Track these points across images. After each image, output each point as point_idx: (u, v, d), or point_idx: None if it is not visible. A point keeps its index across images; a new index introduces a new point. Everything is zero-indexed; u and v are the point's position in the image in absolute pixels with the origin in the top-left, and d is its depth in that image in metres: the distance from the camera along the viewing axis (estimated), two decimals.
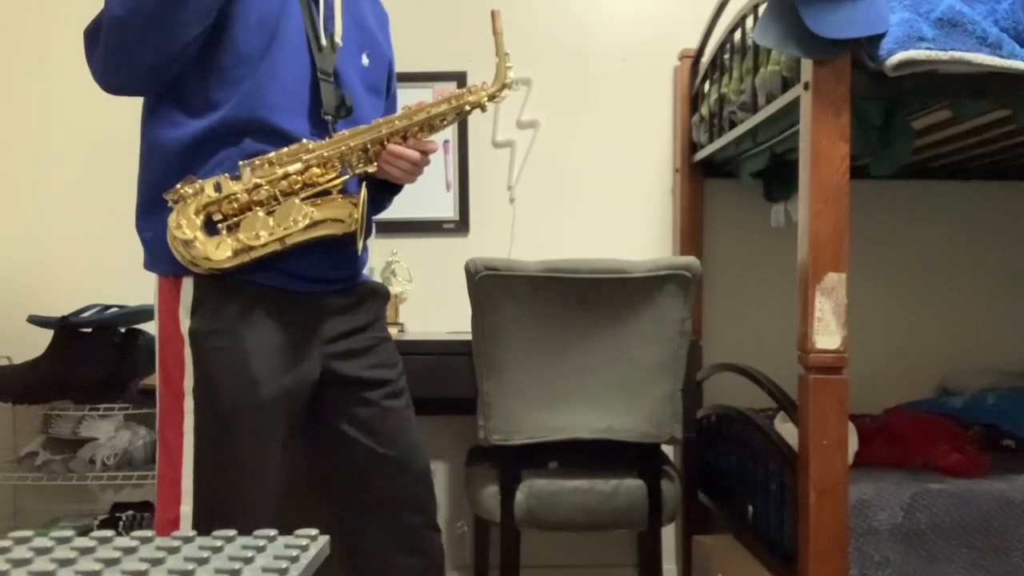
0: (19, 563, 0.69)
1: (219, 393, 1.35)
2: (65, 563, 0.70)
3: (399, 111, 1.48)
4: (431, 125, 1.46)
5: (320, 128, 1.43)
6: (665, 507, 2.01)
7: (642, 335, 1.95)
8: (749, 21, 2.00)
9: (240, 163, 1.35)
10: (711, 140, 2.39)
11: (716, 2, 2.36)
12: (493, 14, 1.50)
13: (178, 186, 1.34)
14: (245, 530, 0.85)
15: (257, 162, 1.36)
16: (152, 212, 1.40)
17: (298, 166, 1.36)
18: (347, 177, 1.42)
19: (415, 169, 1.48)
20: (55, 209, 2.68)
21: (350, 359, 1.50)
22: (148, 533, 0.78)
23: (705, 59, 2.49)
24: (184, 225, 1.32)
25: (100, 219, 2.67)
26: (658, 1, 2.75)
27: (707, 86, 2.44)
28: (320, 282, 1.46)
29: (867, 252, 2.70)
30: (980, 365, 2.68)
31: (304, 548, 0.76)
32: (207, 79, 1.36)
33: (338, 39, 1.46)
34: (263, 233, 1.33)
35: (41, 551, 0.73)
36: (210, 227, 1.34)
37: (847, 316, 1.61)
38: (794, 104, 1.70)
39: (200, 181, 1.34)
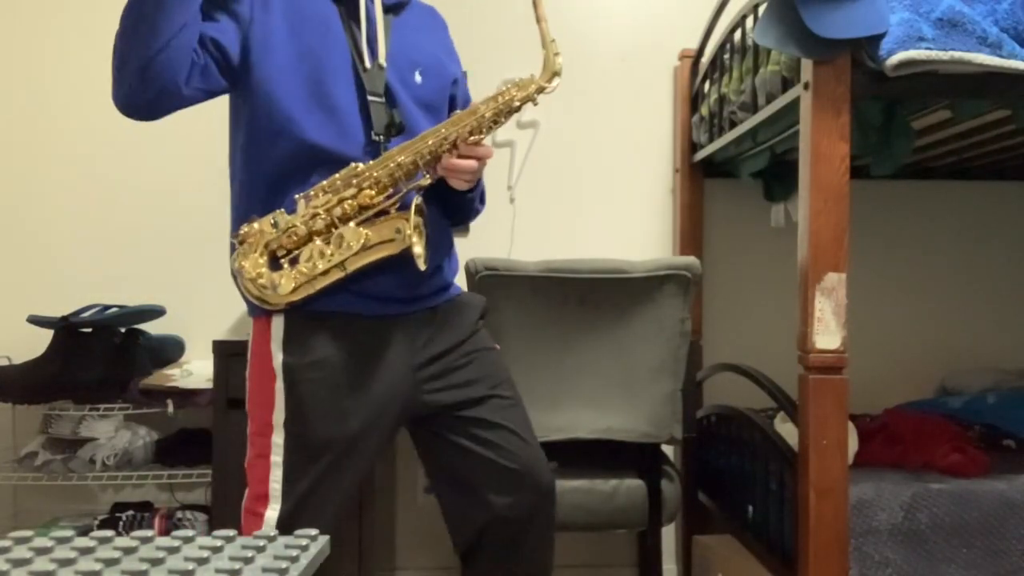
0: (19, 563, 0.69)
1: (310, 426, 1.37)
2: (65, 563, 0.70)
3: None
4: (482, 128, 1.42)
5: (374, 149, 1.42)
6: (665, 507, 2.01)
7: (642, 335, 1.95)
8: (749, 21, 2.00)
9: (295, 196, 1.36)
10: (711, 140, 2.39)
11: (716, 2, 2.36)
12: (535, 1, 1.43)
13: (242, 228, 1.36)
14: None
15: (312, 192, 1.36)
16: None
17: (351, 191, 1.36)
18: (402, 195, 1.39)
19: (473, 177, 1.45)
20: (55, 209, 2.68)
21: (442, 384, 1.47)
22: (148, 533, 0.78)
23: (705, 59, 2.49)
24: (248, 265, 1.34)
25: (100, 219, 2.67)
26: (658, 1, 2.75)
27: (707, 86, 2.44)
28: (396, 302, 1.44)
29: (867, 252, 2.70)
30: (980, 365, 2.68)
31: (304, 548, 0.76)
32: (269, 118, 1.38)
33: (382, 60, 1.44)
34: (320, 263, 1.34)
35: (41, 551, 0.73)
36: (275, 263, 1.36)
37: (847, 316, 1.61)
38: (794, 104, 1.70)
39: (259, 220, 1.35)
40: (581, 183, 2.74)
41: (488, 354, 1.54)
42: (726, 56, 2.23)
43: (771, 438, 1.91)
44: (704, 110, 2.45)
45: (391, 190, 1.38)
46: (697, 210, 2.66)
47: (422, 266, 1.37)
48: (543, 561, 1.56)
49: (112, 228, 2.67)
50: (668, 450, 2.55)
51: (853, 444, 1.94)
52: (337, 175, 1.37)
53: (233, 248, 1.39)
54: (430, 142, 1.39)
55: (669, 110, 2.75)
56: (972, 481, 1.83)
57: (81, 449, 2.34)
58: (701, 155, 2.52)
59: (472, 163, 1.41)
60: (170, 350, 2.50)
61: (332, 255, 1.34)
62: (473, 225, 2.78)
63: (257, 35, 1.39)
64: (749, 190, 2.66)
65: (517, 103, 1.43)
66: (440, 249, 1.51)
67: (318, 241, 1.35)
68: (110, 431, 2.37)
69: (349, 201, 1.36)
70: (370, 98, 1.41)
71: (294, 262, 1.35)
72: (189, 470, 2.38)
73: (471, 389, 1.48)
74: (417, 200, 1.38)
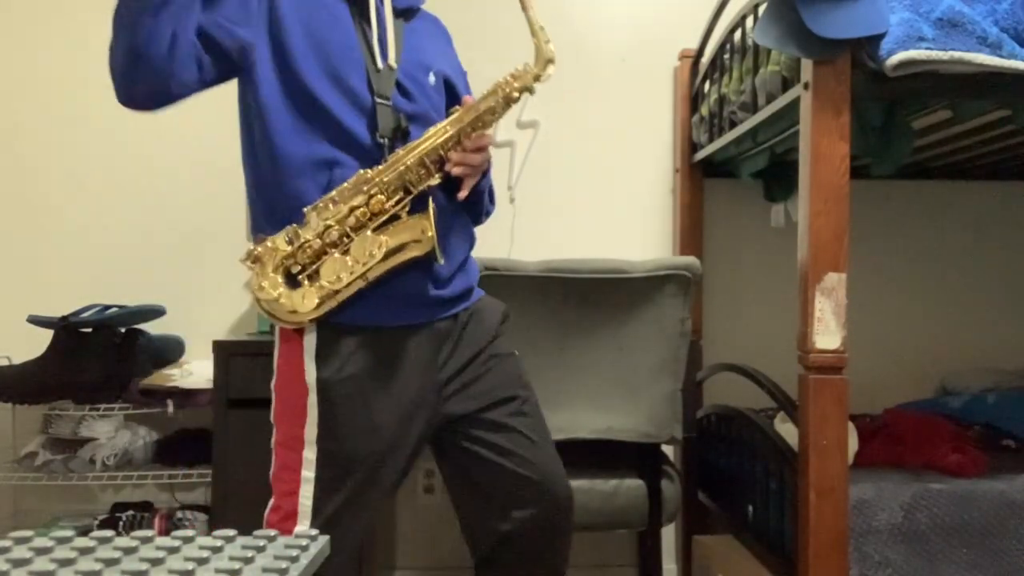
0: (19, 563, 0.69)
1: (343, 442, 1.36)
2: (65, 563, 0.70)
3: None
4: (483, 121, 1.42)
5: (378, 151, 1.41)
6: (665, 507, 2.01)
7: (642, 335, 1.95)
8: (749, 21, 2.00)
9: (304, 209, 1.34)
10: (711, 140, 2.39)
11: (716, 2, 2.36)
12: None
13: (252, 247, 1.34)
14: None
15: (320, 204, 1.34)
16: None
17: (361, 198, 1.34)
18: (412, 196, 1.38)
19: (479, 168, 1.45)
20: (55, 209, 2.68)
21: (462, 394, 1.47)
22: (148, 533, 0.78)
23: (705, 59, 2.49)
24: (267, 285, 1.32)
25: (100, 219, 2.67)
26: (658, 1, 2.74)
27: (707, 86, 2.44)
28: (421, 306, 1.43)
29: (867, 252, 2.70)
30: (980, 365, 2.68)
31: (304, 548, 0.76)
32: (288, 118, 1.37)
33: (392, 61, 1.44)
34: (343, 275, 1.32)
35: (41, 551, 0.73)
36: (292, 280, 1.34)
37: (847, 316, 1.61)
38: (794, 104, 1.70)
39: (271, 237, 1.33)
40: (581, 183, 2.74)
41: (507, 360, 1.53)
42: (726, 56, 2.23)
43: (771, 438, 1.91)
44: (704, 110, 2.45)
45: (401, 194, 1.37)
46: (697, 210, 2.66)
47: (442, 261, 1.38)
48: (558, 569, 1.56)
49: (112, 228, 2.67)
50: (668, 450, 2.55)
51: (853, 444, 1.94)
52: (345, 183, 1.35)
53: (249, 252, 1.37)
54: (437, 141, 1.39)
55: (669, 110, 2.75)
56: (972, 481, 1.83)
57: (81, 449, 2.34)
58: (701, 155, 2.52)
59: (476, 156, 1.42)
60: (170, 350, 2.50)
61: (354, 266, 1.32)
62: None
63: (272, 21, 1.38)
64: (749, 190, 2.66)
65: (516, 94, 1.42)
66: (461, 248, 1.50)
67: (336, 253, 1.33)
68: (110, 431, 2.37)
69: (361, 209, 1.34)
70: (377, 100, 1.41)
71: (312, 277, 1.33)
72: (189, 470, 2.38)
73: (488, 397, 1.48)
74: (431, 204, 1.38)
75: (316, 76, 1.38)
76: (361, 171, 1.36)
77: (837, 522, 1.61)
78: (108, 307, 2.44)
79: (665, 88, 2.75)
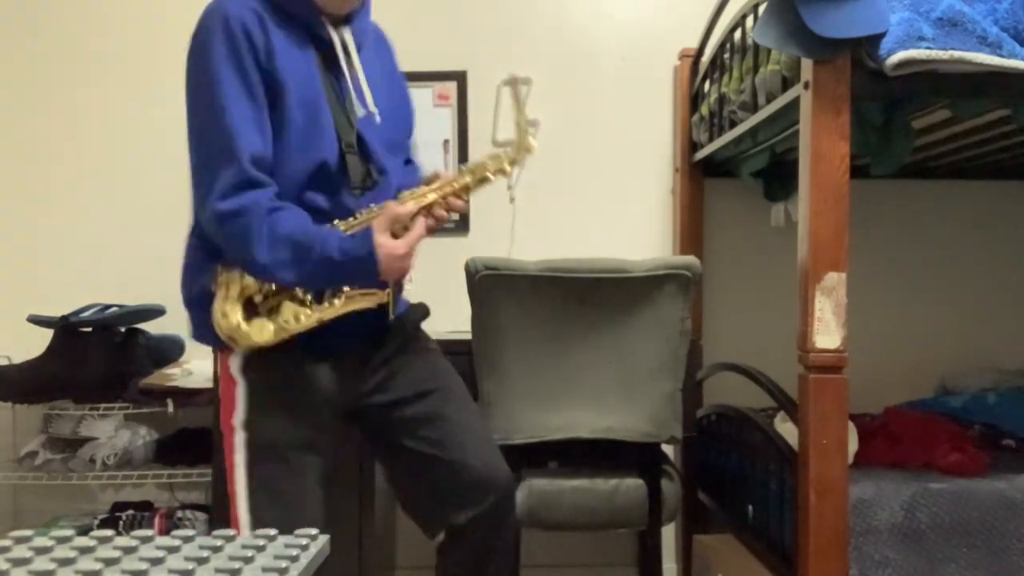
0: (19, 563, 0.69)
1: (265, 430, 1.42)
2: (65, 563, 0.70)
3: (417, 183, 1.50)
4: (454, 200, 1.47)
5: (351, 199, 1.46)
6: (665, 507, 2.01)
7: (642, 335, 1.95)
8: (749, 21, 2.00)
9: None
10: (711, 140, 2.38)
11: (716, 2, 2.36)
12: (513, 81, 1.50)
13: (219, 272, 1.40)
14: None
15: None
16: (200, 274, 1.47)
17: None
18: None
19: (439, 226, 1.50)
20: (55, 209, 2.68)
21: (384, 385, 1.53)
22: (148, 532, 0.78)
23: (705, 58, 2.49)
24: (228, 312, 1.38)
25: (101, 219, 2.67)
26: (658, 1, 2.74)
27: (707, 85, 2.43)
28: (354, 336, 1.49)
29: (867, 252, 2.70)
30: (980, 365, 2.67)
31: (304, 548, 0.76)
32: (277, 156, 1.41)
33: (372, 107, 1.47)
34: (302, 317, 1.39)
35: (41, 551, 0.73)
36: (251, 308, 1.40)
37: (847, 316, 1.61)
38: (794, 104, 1.70)
39: (238, 269, 1.38)
40: (581, 183, 2.74)
41: (428, 353, 1.59)
42: (726, 55, 2.23)
43: (771, 438, 1.91)
44: (704, 110, 2.45)
45: None
46: (697, 210, 2.66)
47: (392, 316, 1.47)
48: (511, 553, 1.61)
49: (112, 228, 2.67)
50: (668, 450, 2.55)
51: (853, 444, 1.94)
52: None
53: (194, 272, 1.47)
54: (407, 214, 1.41)
55: (669, 110, 2.75)
56: (972, 481, 1.83)
57: (81, 449, 2.34)
58: (701, 155, 2.52)
59: (446, 216, 1.47)
60: (170, 350, 2.50)
61: (312, 312, 1.39)
62: (473, 225, 2.79)
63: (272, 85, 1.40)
64: (749, 190, 2.66)
65: (491, 175, 1.49)
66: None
67: (299, 294, 1.40)
68: (110, 431, 2.37)
69: None
70: (345, 150, 1.45)
71: (271, 312, 1.39)
72: (189, 470, 2.38)
73: (410, 389, 1.53)
74: None
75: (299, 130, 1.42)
76: (336, 222, 1.41)
77: (837, 522, 1.61)
78: (108, 307, 2.44)
79: (665, 87, 2.74)
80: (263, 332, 1.38)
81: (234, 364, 1.44)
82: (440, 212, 1.45)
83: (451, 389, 1.57)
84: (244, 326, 1.38)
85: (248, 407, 1.43)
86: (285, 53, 1.39)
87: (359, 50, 1.50)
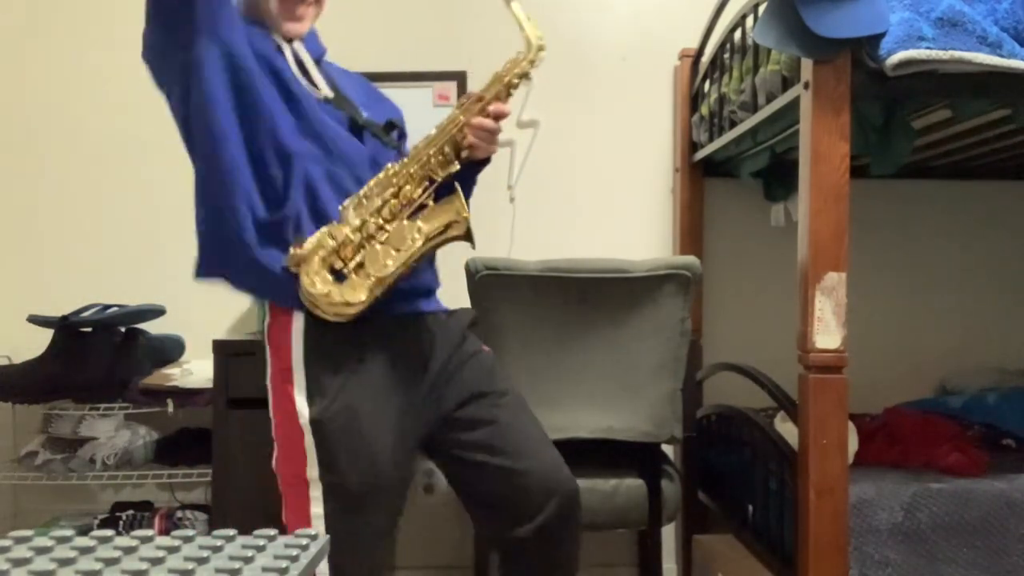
0: (19, 563, 0.69)
1: (346, 477, 1.37)
2: (65, 563, 0.70)
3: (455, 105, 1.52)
4: (487, 108, 1.48)
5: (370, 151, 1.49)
6: (665, 507, 2.01)
7: (642, 335, 1.95)
8: (749, 20, 2.00)
9: (339, 208, 1.40)
10: (711, 140, 2.38)
11: (716, 1, 2.36)
12: None
13: (294, 249, 1.36)
14: None
15: (355, 201, 1.40)
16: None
17: (391, 190, 1.41)
18: (437, 184, 1.45)
19: (493, 136, 1.49)
20: (55, 209, 2.68)
21: (442, 394, 1.49)
22: (148, 533, 0.78)
23: (705, 58, 2.49)
24: (318, 282, 1.35)
25: (100, 219, 2.67)
26: (658, 1, 2.74)
27: (707, 85, 2.43)
28: (407, 298, 1.46)
29: (867, 252, 2.70)
30: (980, 365, 2.67)
31: (304, 548, 0.76)
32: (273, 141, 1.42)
33: (327, 92, 1.49)
34: (389, 261, 1.37)
35: (41, 551, 0.73)
36: (337, 276, 1.38)
37: (847, 316, 1.61)
38: (794, 104, 1.70)
39: (311, 237, 1.37)
40: (581, 183, 2.73)
41: (478, 357, 1.55)
42: (726, 55, 2.23)
43: (771, 438, 1.91)
44: (704, 109, 2.45)
45: (427, 183, 1.44)
46: (697, 210, 2.66)
47: (474, 244, 1.45)
48: (573, 557, 1.63)
49: (112, 228, 2.67)
50: (668, 450, 2.55)
51: (853, 444, 1.94)
52: (372, 180, 1.41)
53: (207, 258, 1.42)
54: (452, 131, 1.45)
55: (669, 110, 2.75)
56: (972, 481, 1.83)
57: (81, 449, 2.34)
58: (701, 155, 2.52)
59: (492, 122, 1.46)
60: (170, 350, 2.50)
61: (397, 254, 1.38)
62: (473, 225, 2.78)
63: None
64: (749, 190, 2.66)
65: (515, 80, 1.49)
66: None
67: (376, 244, 1.38)
68: (110, 431, 2.37)
69: (392, 201, 1.40)
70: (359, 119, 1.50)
71: (357, 269, 1.37)
72: (189, 470, 2.38)
73: (464, 394, 1.49)
74: (457, 187, 1.44)
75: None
76: (388, 165, 1.43)
77: (837, 522, 1.61)
78: (108, 307, 2.44)
79: (665, 87, 2.74)
80: (357, 291, 1.36)
81: (298, 390, 1.37)
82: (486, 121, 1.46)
83: (505, 392, 1.54)
84: (336, 292, 1.35)
85: (323, 456, 1.37)
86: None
87: (317, 63, 1.53)
